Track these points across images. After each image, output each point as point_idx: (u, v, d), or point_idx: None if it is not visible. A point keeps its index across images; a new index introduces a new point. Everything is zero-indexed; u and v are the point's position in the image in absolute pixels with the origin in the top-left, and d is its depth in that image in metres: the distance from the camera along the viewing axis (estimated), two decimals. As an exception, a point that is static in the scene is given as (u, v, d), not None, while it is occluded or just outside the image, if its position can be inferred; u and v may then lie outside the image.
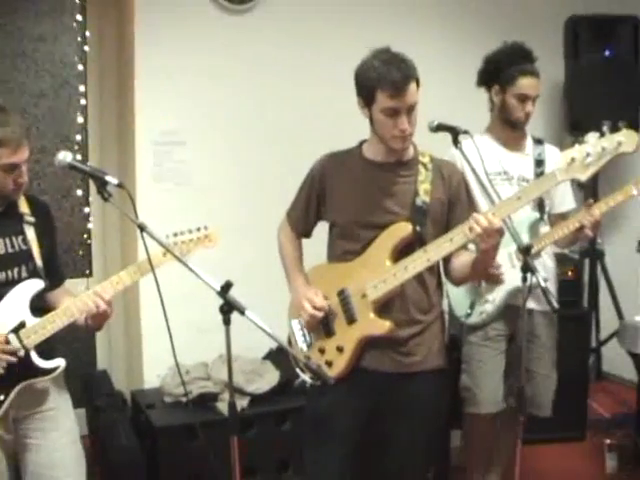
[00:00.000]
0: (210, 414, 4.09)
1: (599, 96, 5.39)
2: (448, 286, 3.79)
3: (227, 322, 2.56)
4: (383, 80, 2.85)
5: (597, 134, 2.88)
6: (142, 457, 3.97)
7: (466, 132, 3.12)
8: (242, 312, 2.51)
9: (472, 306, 3.85)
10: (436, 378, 3.16)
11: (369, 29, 4.85)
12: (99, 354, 5.04)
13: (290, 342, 3.25)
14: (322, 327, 3.11)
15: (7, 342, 2.78)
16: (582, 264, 5.51)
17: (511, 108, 3.79)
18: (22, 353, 2.79)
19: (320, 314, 3.06)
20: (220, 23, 4.71)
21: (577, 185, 5.85)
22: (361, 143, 3.19)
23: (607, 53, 5.57)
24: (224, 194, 4.74)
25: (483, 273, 3.26)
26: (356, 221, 3.06)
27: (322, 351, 3.11)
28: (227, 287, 2.53)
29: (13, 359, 2.77)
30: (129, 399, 4.67)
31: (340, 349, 3.05)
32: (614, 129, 2.91)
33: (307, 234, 3.32)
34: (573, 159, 2.86)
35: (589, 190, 5.50)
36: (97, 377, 4.79)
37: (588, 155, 2.84)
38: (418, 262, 2.93)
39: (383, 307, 3.02)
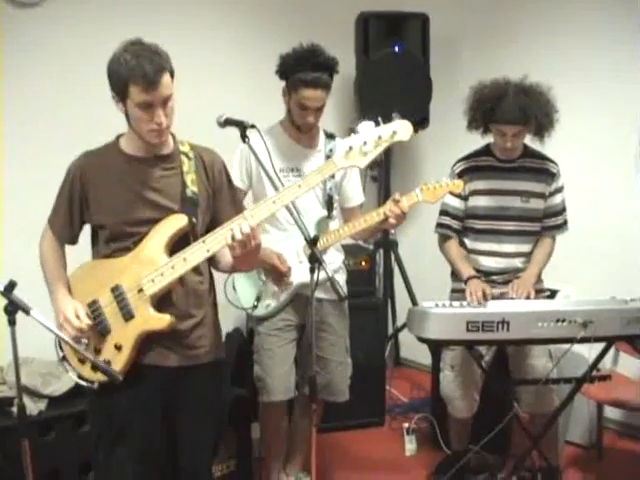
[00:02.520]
0: (6, 419, 3.95)
1: (389, 90, 5.52)
2: (235, 278, 3.86)
3: (12, 323, 2.52)
4: (135, 74, 2.73)
5: (372, 123, 2.97)
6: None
7: (253, 126, 3.11)
8: (27, 312, 2.47)
9: (258, 299, 3.90)
10: (218, 369, 3.20)
11: (159, 22, 4.86)
12: None
13: (60, 343, 3.04)
14: (95, 328, 2.95)
15: None
16: (376, 254, 5.69)
17: (293, 114, 3.82)
18: None
19: (82, 334, 2.89)
20: (8, 17, 4.51)
21: (371, 177, 6.11)
22: (117, 137, 3.06)
23: (397, 49, 5.69)
24: (12, 194, 4.58)
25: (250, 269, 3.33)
26: (125, 220, 2.93)
27: (98, 351, 2.95)
28: (11, 287, 2.49)
29: None
30: None
31: (118, 347, 2.91)
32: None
33: (73, 240, 3.14)
34: (351, 147, 2.93)
35: (382, 185, 5.72)
36: None
37: (365, 143, 2.92)
38: (198, 253, 2.86)
39: (161, 301, 2.94)
